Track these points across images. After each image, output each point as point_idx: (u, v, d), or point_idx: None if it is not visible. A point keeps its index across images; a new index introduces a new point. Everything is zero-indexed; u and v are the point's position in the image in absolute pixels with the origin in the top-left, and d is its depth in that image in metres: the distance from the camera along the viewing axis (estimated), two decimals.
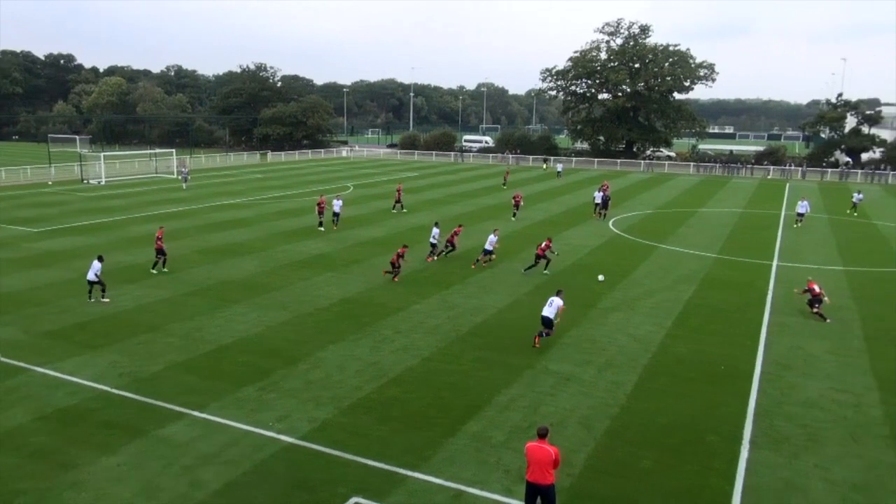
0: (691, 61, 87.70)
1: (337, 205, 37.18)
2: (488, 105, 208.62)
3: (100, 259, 22.54)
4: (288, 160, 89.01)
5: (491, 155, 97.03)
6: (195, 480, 11.85)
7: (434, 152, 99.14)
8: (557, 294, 19.21)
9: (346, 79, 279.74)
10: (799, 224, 40.45)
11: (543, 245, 27.27)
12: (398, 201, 43.75)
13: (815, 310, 21.74)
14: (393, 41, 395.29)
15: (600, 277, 23.09)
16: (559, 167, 73.14)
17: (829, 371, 17.44)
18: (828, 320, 21.34)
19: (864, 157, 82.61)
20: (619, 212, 44.96)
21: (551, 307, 18.75)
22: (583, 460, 12.68)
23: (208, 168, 76.03)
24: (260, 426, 13.83)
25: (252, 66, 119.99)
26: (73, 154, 73.72)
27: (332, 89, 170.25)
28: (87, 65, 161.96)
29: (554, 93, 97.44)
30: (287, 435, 13.47)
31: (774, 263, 30.08)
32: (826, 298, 21.77)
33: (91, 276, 22.15)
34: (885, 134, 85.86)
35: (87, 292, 22.41)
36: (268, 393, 15.47)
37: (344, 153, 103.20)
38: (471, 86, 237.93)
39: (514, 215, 41.14)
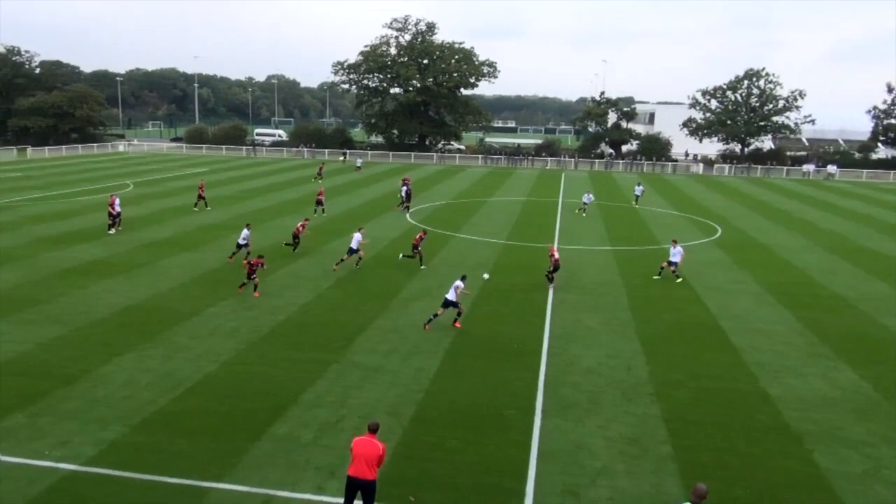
0: (475, 59, 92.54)
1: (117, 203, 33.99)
2: (280, 98, 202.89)
3: None
4: (54, 156, 79.31)
5: (285, 149, 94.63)
6: None
7: (224, 146, 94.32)
8: (462, 279, 20.62)
9: (119, 66, 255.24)
10: (583, 212, 43.73)
11: (418, 237, 28.05)
12: (201, 198, 41.13)
13: (550, 275, 24.62)
14: (173, 27, 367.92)
15: (485, 276, 23.65)
16: (359, 161, 73.33)
17: (604, 340, 19.50)
18: (552, 286, 24.50)
19: (625, 148, 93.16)
20: (415, 203, 46.22)
21: (453, 291, 20.11)
22: (392, 447, 12.93)
23: None
24: (34, 456, 12.28)
25: (2, 50, 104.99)
26: None
27: (104, 78, 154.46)
28: None
29: (347, 86, 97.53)
30: (68, 462, 12.11)
31: (555, 246, 32.86)
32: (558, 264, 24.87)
33: None
34: (639, 128, 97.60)
35: None
36: (41, 418, 13.77)
37: (121, 148, 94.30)
38: (260, 77, 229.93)
39: (319, 211, 40.31)
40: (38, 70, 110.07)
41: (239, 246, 27.53)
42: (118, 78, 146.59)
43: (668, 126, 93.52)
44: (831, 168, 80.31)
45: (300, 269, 26.74)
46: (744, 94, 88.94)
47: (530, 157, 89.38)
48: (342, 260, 27.10)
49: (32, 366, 16.47)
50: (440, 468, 12.35)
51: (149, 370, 16.35)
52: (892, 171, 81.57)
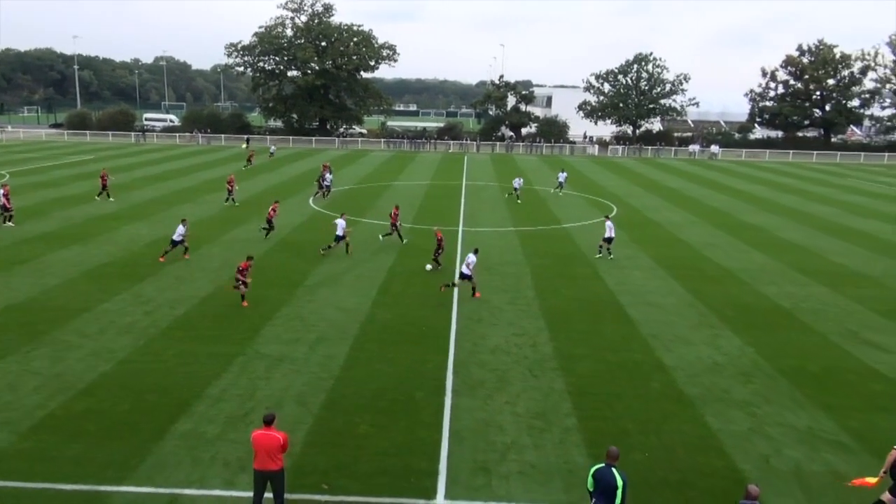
0: (374, 42, 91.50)
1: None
2: (170, 81, 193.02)
3: None
4: None
5: (178, 134, 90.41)
6: None
7: (111, 133, 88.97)
8: (474, 252, 22.01)
9: None
10: (515, 196, 43.36)
11: (394, 213, 29.66)
12: (104, 188, 38.72)
13: (436, 256, 25.16)
14: (47, 4, 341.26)
15: (428, 267, 23.60)
16: (272, 147, 70.33)
17: (509, 319, 19.99)
18: (437, 267, 25.00)
19: (524, 131, 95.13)
20: (317, 188, 45.48)
21: (468, 266, 21.48)
22: (302, 437, 12.80)
23: None
24: None
25: None
26: None
27: None
28: None
29: (242, 69, 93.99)
30: None
31: (460, 229, 33.29)
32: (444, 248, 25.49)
33: None
34: (537, 111, 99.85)
35: None
36: None
37: None
38: (148, 59, 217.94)
39: (230, 200, 38.55)
40: None
41: (174, 243, 25.37)
42: None
43: (565, 109, 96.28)
44: (714, 148, 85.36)
45: (199, 261, 25.76)
46: (634, 78, 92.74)
47: (433, 141, 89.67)
48: (329, 247, 26.89)
49: None
50: (352, 454, 12.33)
51: (36, 373, 15.34)
52: (768, 150, 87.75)
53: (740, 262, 27.90)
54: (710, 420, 14.00)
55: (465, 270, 21.65)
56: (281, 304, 20.60)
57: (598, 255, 27.86)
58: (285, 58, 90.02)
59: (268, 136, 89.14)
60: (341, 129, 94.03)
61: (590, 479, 9.53)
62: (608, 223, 27.92)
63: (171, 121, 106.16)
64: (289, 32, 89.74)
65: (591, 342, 18.30)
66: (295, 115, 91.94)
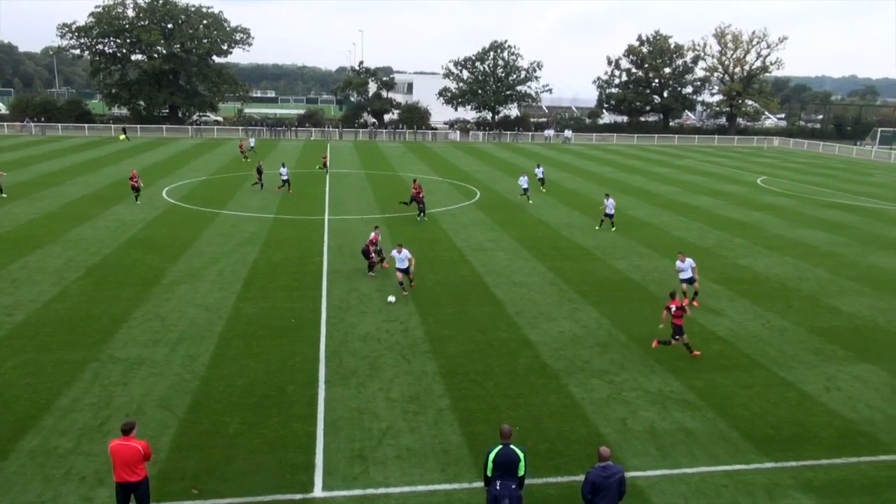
0: (226, 24, 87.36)
1: None
2: None
3: None
4: None
5: (6, 124, 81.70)
6: None
7: None
8: (399, 249, 21.10)
9: None
10: (525, 200, 38.72)
11: (415, 188, 32.09)
12: None
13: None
14: None
15: (390, 299, 20.07)
16: (123, 136, 64.90)
17: (379, 306, 20.01)
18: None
19: (387, 118, 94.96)
20: (172, 180, 42.99)
21: (403, 262, 20.92)
22: (168, 442, 12.15)
23: None
24: None
25: None
26: None
27: None
28: None
29: (78, 52, 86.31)
30: None
31: (326, 217, 32.78)
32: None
33: None
34: (399, 98, 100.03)
35: None
36: None
37: None
38: None
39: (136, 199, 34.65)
40: None
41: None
42: None
43: (426, 95, 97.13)
44: (567, 133, 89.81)
45: (37, 262, 23.57)
46: (491, 65, 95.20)
47: (294, 129, 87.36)
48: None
49: None
50: (223, 455, 11.87)
51: None
52: (616, 134, 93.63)
53: (595, 239, 29.63)
54: (574, 390, 14.83)
55: (402, 266, 20.96)
56: (136, 305, 19.34)
57: (597, 228, 31.33)
58: (127, 40, 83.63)
59: (112, 125, 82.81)
60: (194, 117, 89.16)
61: (489, 465, 9.47)
62: (609, 200, 31.29)
63: None
64: (130, 13, 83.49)
65: (461, 323, 18.74)
66: (142, 102, 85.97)
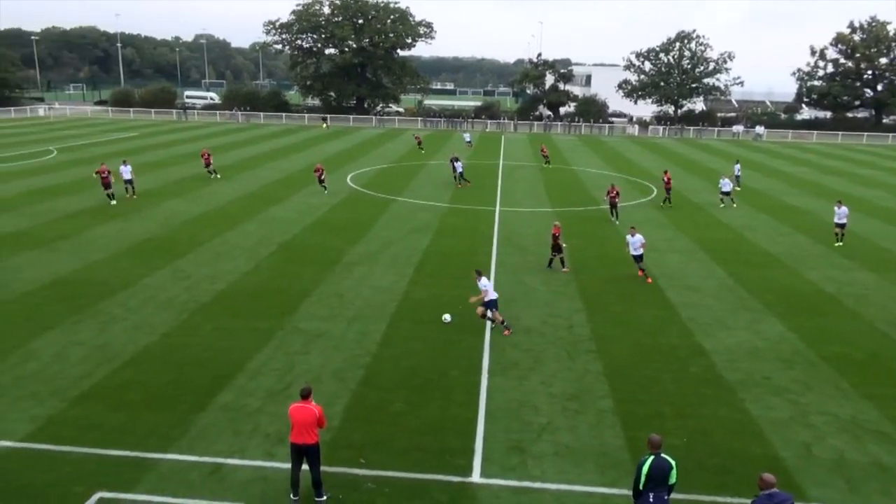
0: (411, 19, 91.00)
1: (126, 171, 32.68)
2: (210, 58, 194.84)
3: None
4: None
5: (218, 112, 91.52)
6: None
7: (153, 110, 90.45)
8: (632, 231, 21.95)
9: (32, 25, 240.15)
10: (728, 204, 35.37)
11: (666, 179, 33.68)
12: (208, 166, 39.81)
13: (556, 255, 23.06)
14: None
15: (446, 318, 18.19)
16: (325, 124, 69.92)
17: (545, 300, 19.88)
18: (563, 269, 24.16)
19: (562, 110, 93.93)
20: (355, 167, 45.68)
21: (635, 246, 21.68)
22: (340, 412, 12.97)
23: None
24: None
25: None
26: None
27: (16, 37, 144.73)
28: None
29: (280, 47, 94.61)
30: (1, 440, 11.66)
31: (497, 209, 33.12)
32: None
33: None
34: (576, 90, 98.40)
35: None
36: None
37: (41, 112, 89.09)
38: (188, 37, 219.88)
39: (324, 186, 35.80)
40: None
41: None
42: (32, 37, 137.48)
43: (605, 88, 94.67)
44: (759, 129, 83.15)
45: (236, 238, 26.14)
46: (676, 57, 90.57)
47: (470, 120, 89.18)
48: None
49: None
50: (387, 431, 12.45)
51: (81, 343, 15.80)
52: (816, 132, 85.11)
53: (782, 245, 27.24)
54: (750, 406, 13.76)
55: (635, 252, 21.95)
56: (318, 282, 20.82)
57: (837, 244, 27.38)
58: (323, 35, 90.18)
59: (306, 114, 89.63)
60: (378, 108, 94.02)
61: (643, 478, 9.02)
62: (841, 209, 27.42)
63: (211, 98, 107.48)
64: (326, 10, 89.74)
65: (628, 324, 18.11)
66: (332, 94, 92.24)
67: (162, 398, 13.37)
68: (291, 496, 10.35)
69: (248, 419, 12.67)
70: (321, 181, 35.94)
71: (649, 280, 21.89)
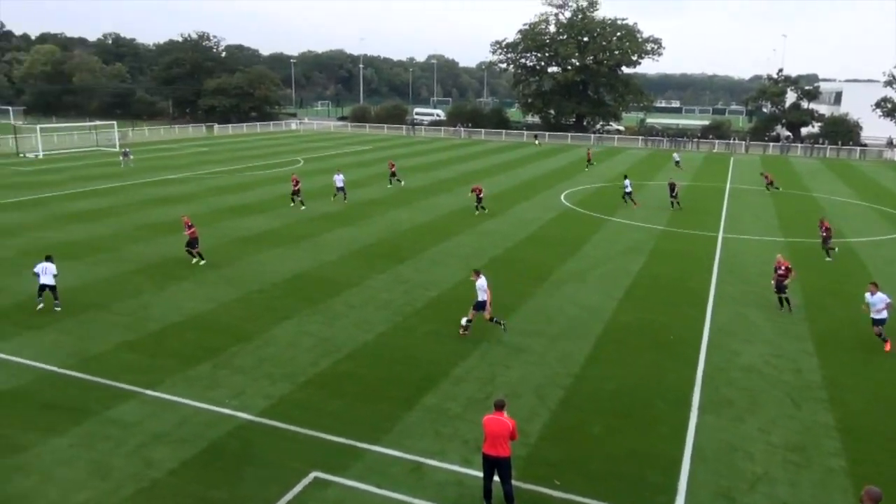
0: (638, 35, 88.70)
1: (339, 179, 37.18)
2: (439, 77, 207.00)
3: (49, 259, 18.93)
4: (235, 133, 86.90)
5: (443, 128, 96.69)
6: (148, 460, 11.65)
7: (385, 125, 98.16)
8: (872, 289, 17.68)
9: (292, 49, 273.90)
10: None
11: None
12: (393, 174, 43.51)
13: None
14: (340, 11, 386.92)
15: (463, 321, 17.53)
16: (537, 140, 71.42)
17: (768, 337, 18.13)
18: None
19: (804, 131, 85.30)
20: (570, 185, 45.51)
21: (877, 308, 17.37)
22: (538, 429, 12.94)
23: (152, 141, 73.66)
24: (213, 403, 13.64)
25: (194, 35, 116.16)
26: (5, 126, 70.28)
27: (279, 60, 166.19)
28: (17, 31, 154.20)
29: (504, 66, 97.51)
30: (242, 412, 13.33)
31: (720, 235, 30.96)
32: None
33: (48, 279, 18.50)
34: (822, 109, 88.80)
35: (38, 294, 18.76)
36: (220, 370, 15.25)
37: (293, 126, 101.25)
38: (421, 58, 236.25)
39: (480, 208, 34.65)
40: (223, 54, 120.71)
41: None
42: (292, 60, 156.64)
43: (858, 107, 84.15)
44: None
45: (452, 247, 27.30)
46: None
47: (695, 140, 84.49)
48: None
49: (212, 323, 18.28)
50: (585, 454, 12.17)
51: (310, 334, 17.53)
52: None
53: None
54: None
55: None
56: (526, 297, 21.01)
57: None
58: (546, 54, 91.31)
59: (524, 132, 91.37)
60: (597, 126, 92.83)
61: None
62: None
63: (437, 115, 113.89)
64: (552, 29, 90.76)
65: (869, 374, 15.88)
66: (552, 111, 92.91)
67: (374, 392, 14.37)
68: None
69: (449, 423, 13.13)
70: (479, 200, 34.55)
71: (888, 347, 17.36)
